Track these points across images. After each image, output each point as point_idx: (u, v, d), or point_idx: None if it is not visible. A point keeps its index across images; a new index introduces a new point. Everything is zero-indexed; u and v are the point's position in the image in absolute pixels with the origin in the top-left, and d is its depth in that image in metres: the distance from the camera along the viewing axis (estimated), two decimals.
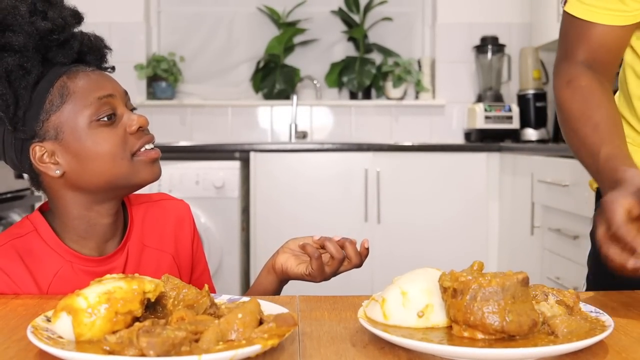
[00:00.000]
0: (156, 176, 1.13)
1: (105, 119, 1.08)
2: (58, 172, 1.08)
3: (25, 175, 1.17)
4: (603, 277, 1.22)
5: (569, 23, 1.17)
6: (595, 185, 1.27)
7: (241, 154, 3.46)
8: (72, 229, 1.12)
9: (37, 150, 1.08)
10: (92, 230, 1.12)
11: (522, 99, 3.92)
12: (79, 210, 1.11)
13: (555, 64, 1.21)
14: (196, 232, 1.29)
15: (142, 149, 1.11)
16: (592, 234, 1.26)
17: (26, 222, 1.13)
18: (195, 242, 1.29)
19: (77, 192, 1.10)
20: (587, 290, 1.25)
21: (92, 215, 1.11)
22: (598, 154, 1.08)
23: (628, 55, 1.21)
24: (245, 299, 0.88)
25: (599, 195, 1.26)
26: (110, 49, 1.20)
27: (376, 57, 4.15)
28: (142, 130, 1.11)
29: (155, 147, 1.13)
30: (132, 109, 1.14)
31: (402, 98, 4.09)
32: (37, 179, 1.12)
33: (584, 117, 1.12)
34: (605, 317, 0.81)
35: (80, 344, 0.73)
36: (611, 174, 1.02)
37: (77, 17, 1.14)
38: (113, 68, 1.20)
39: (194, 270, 1.29)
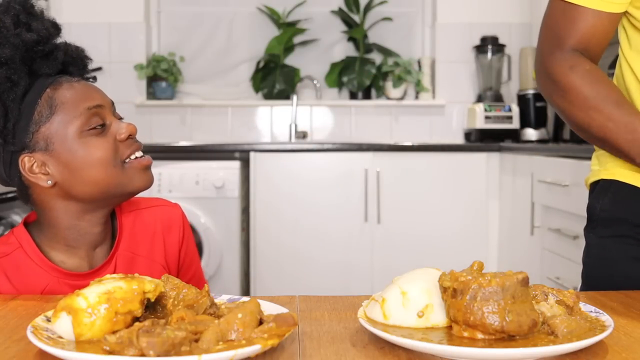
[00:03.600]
0: (149, 183, 1.13)
1: (96, 128, 1.08)
2: (49, 182, 1.07)
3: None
4: (599, 272, 1.22)
5: (559, 10, 1.17)
6: (591, 181, 1.27)
7: (241, 154, 3.46)
8: (62, 239, 1.11)
9: (27, 161, 1.07)
10: (82, 239, 1.12)
11: (522, 99, 3.92)
12: (70, 220, 1.11)
13: (544, 53, 1.19)
14: (186, 237, 1.27)
15: (133, 157, 1.11)
16: (586, 230, 1.27)
17: (12, 238, 1.12)
18: (184, 247, 1.26)
19: (69, 201, 1.10)
20: (582, 287, 1.26)
21: (82, 224, 1.11)
22: (633, 123, 1.09)
23: (622, 51, 1.22)
24: (245, 298, 0.88)
25: (592, 191, 1.26)
26: (91, 60, 1.19)
27: (376, 57, 4.15)
28: (132, 138, 1.11)
29: (145, 154, 1.13)
30: (120, 119, 1.14)
31: (402, 98, 4.09)
32: (27, 192, 1.11)
33: (600, 95, 1.12)
34: (605, 317, 0.80)
35: (80, 344, 0.73)
36: None
37: (57, 28, 1.14)
38: (95, 78, 1.19)
39: (184, 274, 1.27)
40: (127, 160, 1.10)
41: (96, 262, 1.14)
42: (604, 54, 1.20)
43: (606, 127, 1.11)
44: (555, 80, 1.17)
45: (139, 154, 1.12)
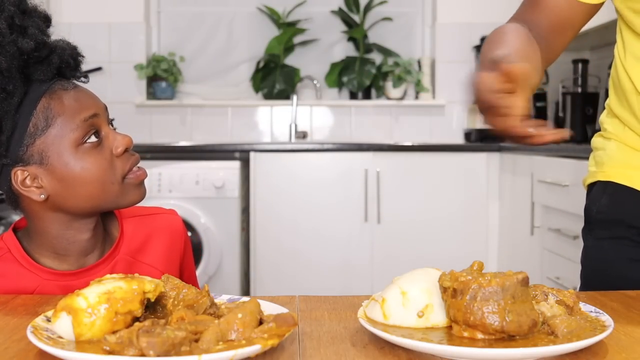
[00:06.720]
0: (142, 197, 1.11)
1: (92, 141, 1.05)
2: (43, 196, 1.04)
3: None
4: (597, 274, 1.22)
5: None
6: (588, 182, 1.27)
7: (241, 154, 3.46)
8: (50, 247, 1.09)
9: (19, 175, 1.04)
10: (71, 247, 1.09)
11: None
12: (58, 230, 1.08)
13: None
14: (187, 246, 1.25)
15: (131, 173, 1.09)
16: (584, 231, 1.27)
17: (0, 244, 1.10)
18: (187, 257, 1.25)
19: (58, 212, 1.07)
20: (581, 287, 1.26)
21: (71, 232, 1.09)
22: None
23: (617, 53, 1.21)
24: (245, 298, 0.88)
25: (589, 192, 1.26)
26: (84, 57, 1.13)
27: (376, 57, 4.15)
28: (128, 152, 1.09)
29: (140, 167, 1.11)
30: (111, 120, 1.11)
31: (402, 98, 4.09)
32: (16, 200, 1.08)
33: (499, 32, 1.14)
34: (605, 317, 0.80)
35: (80, 344, 0.73)
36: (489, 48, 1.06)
37: (48, 21, 1.09)
38: (86, 76, 1.14)
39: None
40: (126, 177, 1.08)
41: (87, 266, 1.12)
42: (565, 42, 1.20)
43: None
44: None
45: (135, 168, 1.10)
